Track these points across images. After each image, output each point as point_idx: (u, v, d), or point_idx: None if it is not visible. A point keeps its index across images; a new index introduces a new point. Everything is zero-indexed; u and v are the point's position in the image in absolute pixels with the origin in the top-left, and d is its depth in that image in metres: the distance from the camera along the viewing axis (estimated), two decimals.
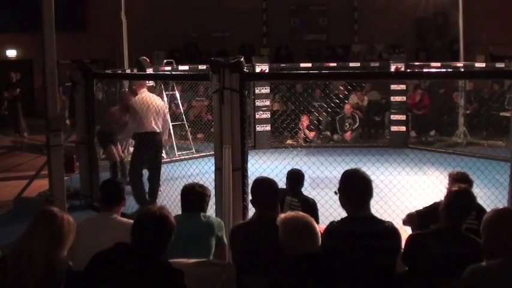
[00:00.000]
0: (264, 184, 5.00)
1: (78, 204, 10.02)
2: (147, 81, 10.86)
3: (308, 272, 3.92)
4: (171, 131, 14.65)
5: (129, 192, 9.24)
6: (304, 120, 16.49)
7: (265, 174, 5.31)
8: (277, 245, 4.58)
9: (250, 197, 5.02)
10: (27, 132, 19.16)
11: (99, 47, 22.41)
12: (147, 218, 3.94)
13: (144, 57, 14.18)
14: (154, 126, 9.77)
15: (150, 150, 9.69)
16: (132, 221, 5.10)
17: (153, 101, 9.91)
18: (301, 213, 4.25)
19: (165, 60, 15.83)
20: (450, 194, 4.65)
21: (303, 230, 4.13)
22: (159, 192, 10.18)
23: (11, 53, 24.60)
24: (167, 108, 14.09)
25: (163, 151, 13.42)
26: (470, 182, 5.81)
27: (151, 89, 11.05)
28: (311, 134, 16.40)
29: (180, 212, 5.53)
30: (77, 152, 10.98)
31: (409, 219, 5.82)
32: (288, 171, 6.78)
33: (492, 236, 3.85)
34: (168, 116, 10.28)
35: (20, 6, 21.75)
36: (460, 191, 4.68)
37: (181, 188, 5.64)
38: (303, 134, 16.32)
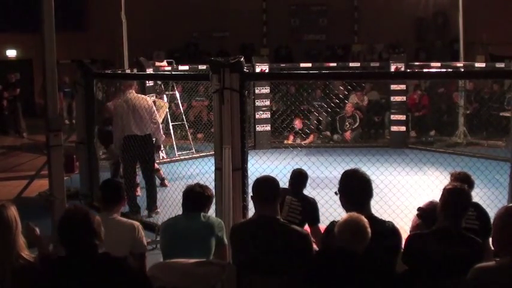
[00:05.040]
0: (267, 182, 5.01)
1: (78, 204, 10.02)
2: (135, 82, 10.64)
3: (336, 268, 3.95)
4: (171, 131, 14.66)
5: None
6: (298, 124, 16.47)
7: (265, 174, 5.31)
8: (276, 244, 4.60)
9: (251, 194, 5.01)
10: (27, 132, 19.17)
11: (99, 47, 22.42)
12: (65, 223, 3.90)
13: (144, 58, 14.21)
14: (134, 130, 9.45)
15: (134, 154, 9.55)
16: (130, 221, 5.14)
17: (137, 103, 9.57)
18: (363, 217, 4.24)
19: (165, 60, 15.81)
20: (445, 193, 4.64)
21: (363, 232, 4.13)
22: (158, 196, 10.17)
23: (11, 53, 24.60)
24: (166, 107, 14.13)
25: (162, 152, 13.41)
26: (471, 183, 5.79)
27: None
28: (308, 139, 16.32)
29: (179, 212, 5.55)
30: (77, 152, 10.97)
31: (417, 228, 5.77)
32: (292, 171, 6.79)
33: (503, 233, 3.83)
34: (157, 117, 9.93)
35: (20, 6, 21.73)
36: (454, 189, 4.67)
37: (181, 188, 5.64)
38: (294, 134, 16.27)
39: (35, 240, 4.50)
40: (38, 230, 4.63)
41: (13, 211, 4.12)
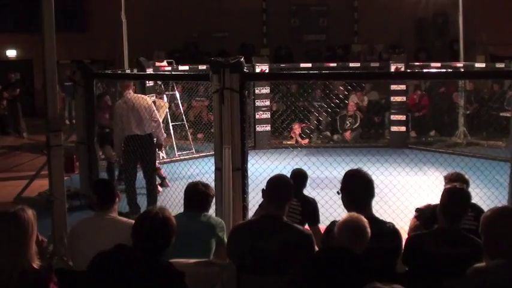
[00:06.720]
0: (284, 182, 5.07)
1: (78, 204, 10.03)
2: (132, 82, 10.66)
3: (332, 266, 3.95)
4: (171, 131, 14.66)
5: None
6: (296, 129, 16.48)
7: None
8: (279, 243, 4.60)
9: (263, 188, 5.05)
10: (26, 132, 19.17)
11: (99, 47, 22.43)
12: (148, 220, 3.92)
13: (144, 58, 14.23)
14: (135, 130, 9.51)
15: (136, 154, 9.60)
16: (129, 220, 5.12)
17: (137, 103, 9.64)
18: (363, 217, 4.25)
19: (165, 60, 15.82)
20: (445, 194, 4.66)
21: (363, 232, 4.14)
22: (159, 194, 10.20)
23: (11, 53, 24.60)
24: (166, 107, 14.13)
25: (163, 151, 13.41)
26: (466, 182, 5.81)
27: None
28: (304, 142, 16.32)
29: (179, 212, 5.54)
30: (77, 152, 10.98)
31: (415, 229, 5.78)
32: (292, 171, 6.79)
33: (493, 236, 3.84)
34: (157, 116, 10.00)
35: (20, 6, 21.74)
36: (454, 190, 4.71)
37: (181, 188, 5.64)
38: (295, 142, 16.24)
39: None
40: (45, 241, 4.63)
41: (31, 216, 4.01)
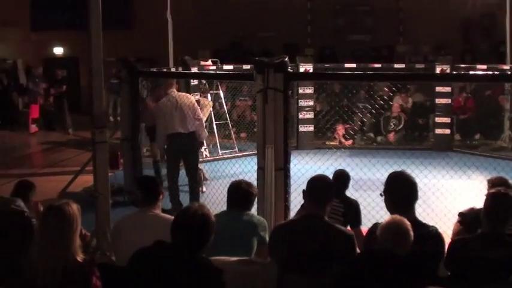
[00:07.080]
0: (326, 183, 5.05)
1: (122, 200, 10.14)
2: (175, 81, 10.72)
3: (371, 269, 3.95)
4: (215, 130, 14.71)
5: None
6: (340, 130, 16.40)
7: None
8: (321, 244, 4.59)
9: (303, 189, 5.03)
10: (72, 128, 19.42)
11: (144, 45, 22.61)
12: (187, 217, 3.96)
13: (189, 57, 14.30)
14: (178, 128, 9.56)
15: (179, 152, 9.70)
16: (172, 217, 5.16)
17: (181, 101, 9.70)
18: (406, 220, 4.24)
19: (210, 59, 15.89)
20: (488, 198, 4.61)
21: (405, 234, 4.13)
22: (201, 194, 10.22)
23: (58, 51, 24.96)
24: (210, 106, 14.20)
25: (206, 150, 13.48)
26: (510, 187, 5.72)
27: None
28: (347, 142, 16.23)
29: (222, 210, 5.57)
30: (121, 148, 11.10)
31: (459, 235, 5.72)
32: (334, 172, 6.77)
33: None
34: (200, 114, 10.05)
35: (68, 4, 22.05)
36: (497, 194, 4.64)
37: (224, 186, 5.67)
38: (338, 143, 16.16)
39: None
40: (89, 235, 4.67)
41: (75, 210, 4.10)
